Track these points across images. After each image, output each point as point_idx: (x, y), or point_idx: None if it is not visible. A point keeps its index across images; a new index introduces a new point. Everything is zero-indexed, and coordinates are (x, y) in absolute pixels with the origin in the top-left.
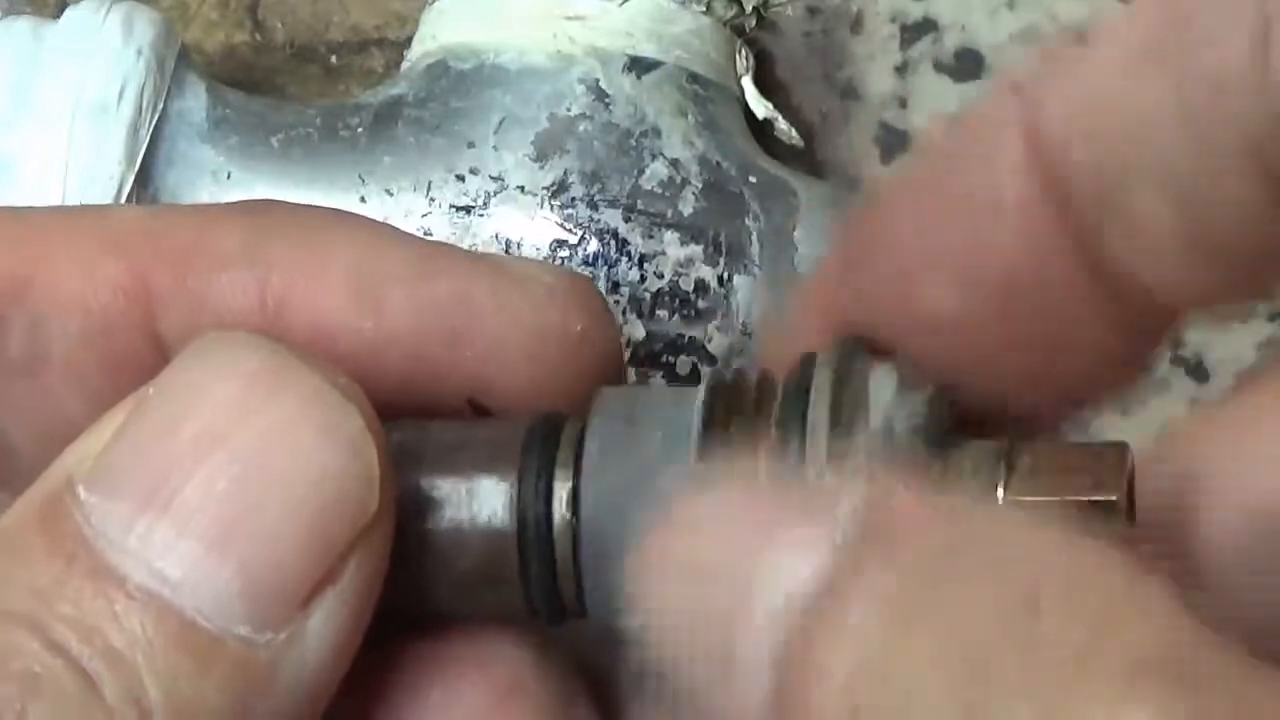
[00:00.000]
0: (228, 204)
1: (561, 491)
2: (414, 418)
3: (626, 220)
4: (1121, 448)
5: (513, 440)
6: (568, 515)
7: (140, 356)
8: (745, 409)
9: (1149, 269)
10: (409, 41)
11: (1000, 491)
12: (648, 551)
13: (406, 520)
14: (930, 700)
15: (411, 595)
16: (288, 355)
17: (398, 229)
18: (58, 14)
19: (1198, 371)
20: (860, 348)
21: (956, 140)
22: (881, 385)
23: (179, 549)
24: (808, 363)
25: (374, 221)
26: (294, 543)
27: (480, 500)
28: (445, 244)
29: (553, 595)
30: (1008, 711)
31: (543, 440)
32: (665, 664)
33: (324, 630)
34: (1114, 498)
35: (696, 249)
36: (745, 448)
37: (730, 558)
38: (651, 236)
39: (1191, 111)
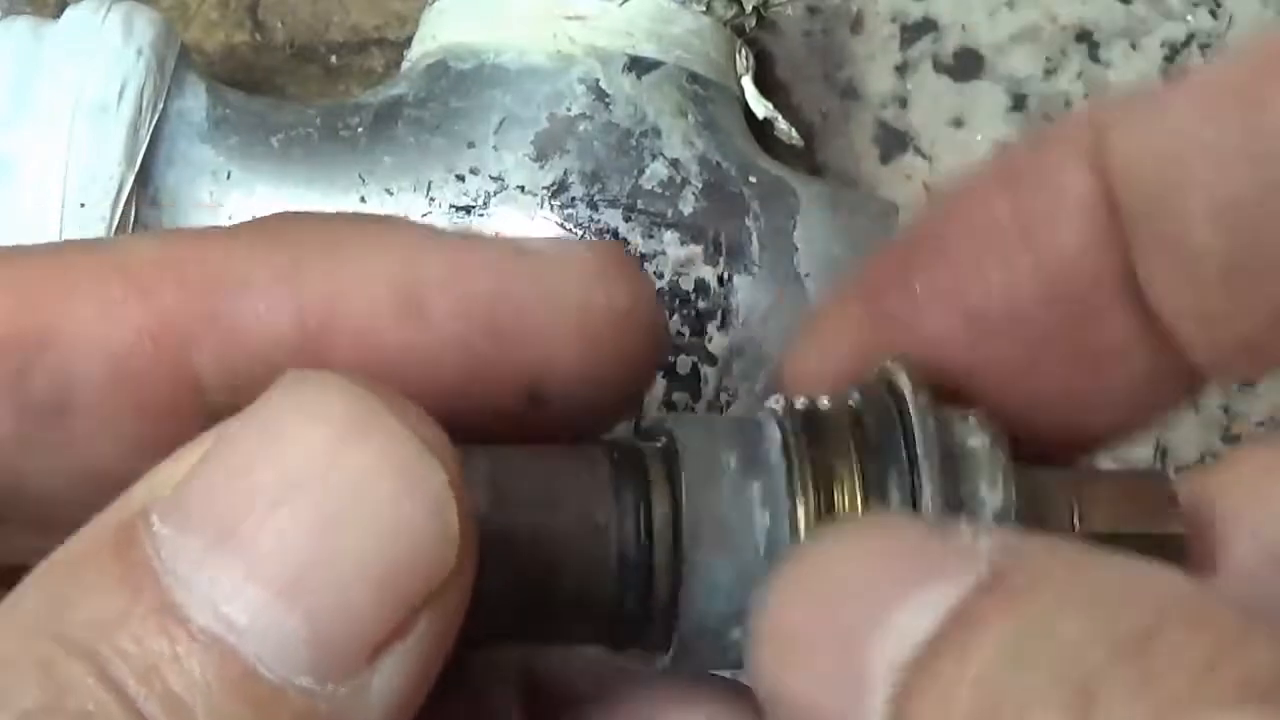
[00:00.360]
0: (248, 224)
1: (665, 532)
2: (496, 444)
3: (626, 220)
4: (1164, 478)
5: (599, 473)
6: (667, 558)
7: (172, 397)
8: (827, 443)
9: (1191, 311)
10: (409, 41)
11: (1076, 524)
12: (771, 610)
13: (493, 553)
14: None
15: (491, 625)
16: (375, 402)
17: (428, 226)
18: (58, 14)
19: None
20: (916, 375)
21: (1013, 171)
22: (971, 432)
23: (247, 593)
24: (880, 399)
25: (402, 222)
26: (365, 596)
27: (575, 537)
28: (479, 235)
29: (643, 632)
30: None
31: (631, 476)
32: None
33: (389, 685)
34: (1180, 531)
35: (696, 249)
36: (844, 496)
37: (857, 616)
38: (651, 236)
39: (1263, 155)
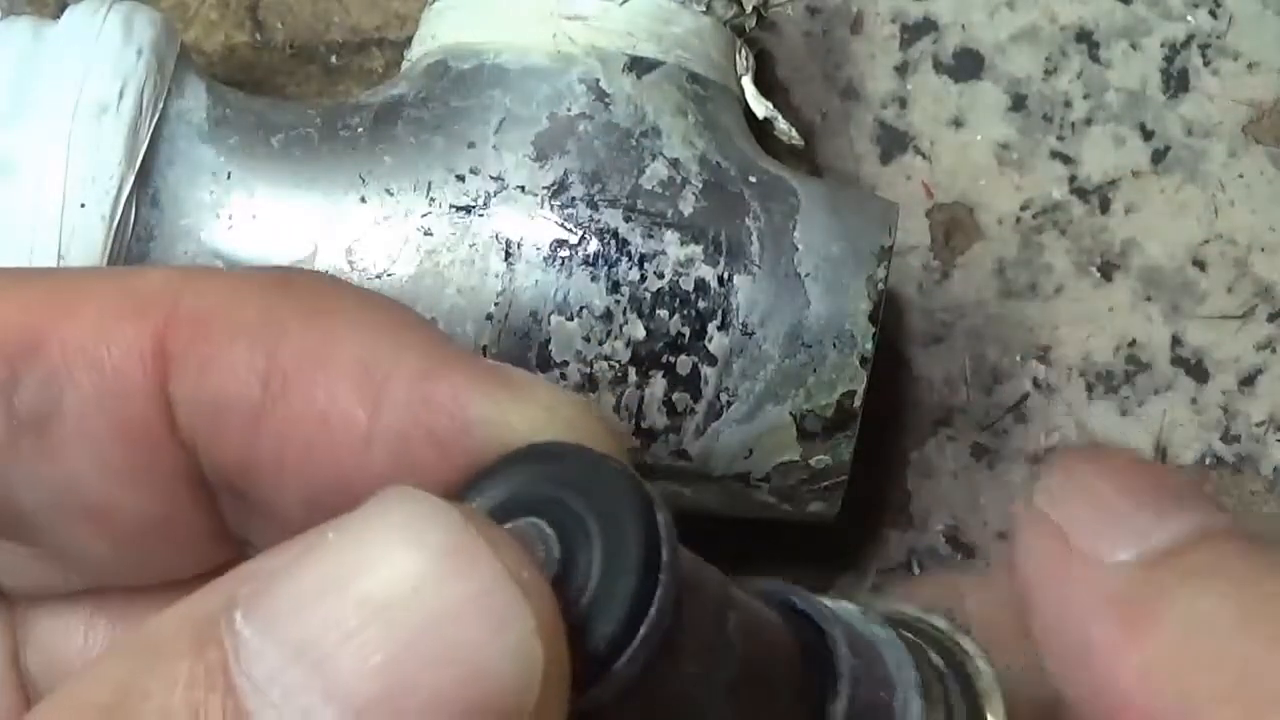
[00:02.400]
0: (254, 270)
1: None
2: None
3: (627, 220)
4: None
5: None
6: None
7: (151, 422)
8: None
9: None
10: (409, 41)
11: None
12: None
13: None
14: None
15: None
16: (476, 536)
17: (417, 317)
18: (58, 14)
19: (1198, 371)
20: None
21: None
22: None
23: (320, 714)
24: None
25: (395, 307)
26: None
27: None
28: (456, 347)
29: None
30: None
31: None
32: None
33: None
34: None
35: (697, 249)
36: None
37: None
38: (651, 236)
39: None
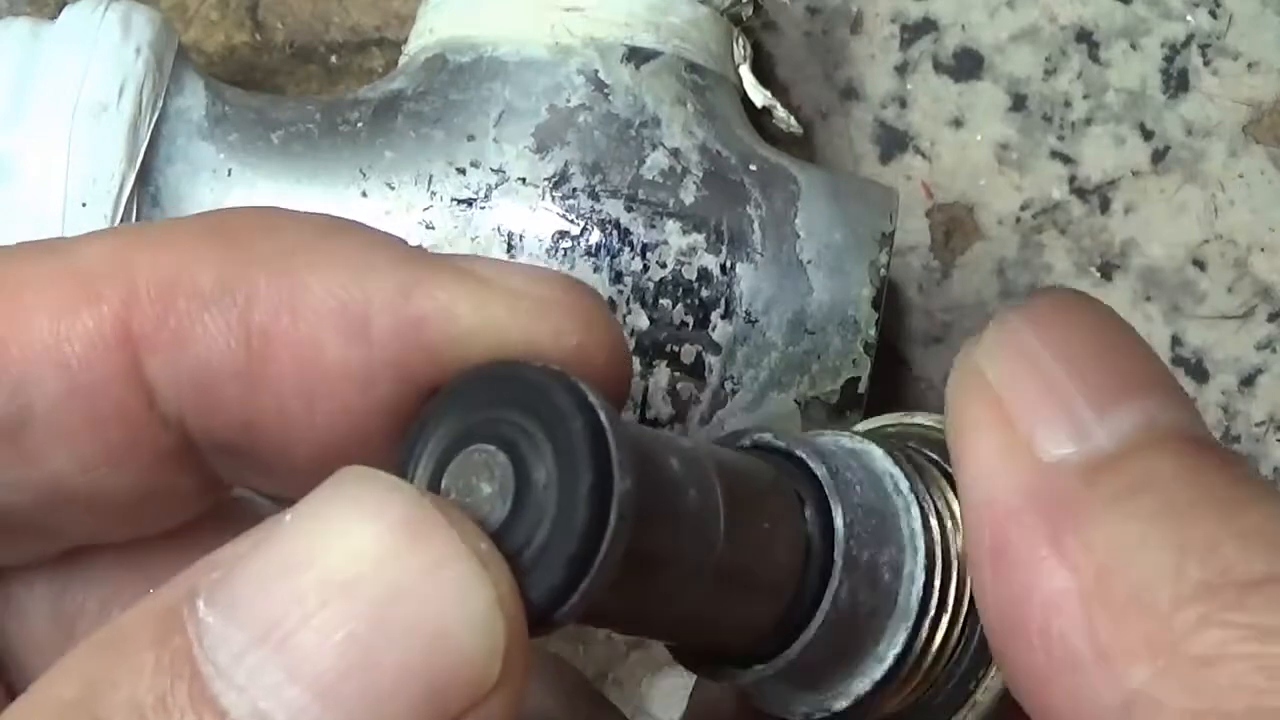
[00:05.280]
0: (202, 222)
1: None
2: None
3: (628, 210)
4: None
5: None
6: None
7: (127, 407)
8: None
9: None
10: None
11: None
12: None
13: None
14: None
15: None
16: (432, 510)
17: (377, 235)
18: (57, 14)
19: (1198, 371)
20: None
21: None
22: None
23: (286, 693)
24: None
25: (351, 229)
26: (405, 704)
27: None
28: (431, 255)
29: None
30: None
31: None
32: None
33: None
34: None
35: (698, 238)
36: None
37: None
38: (653, 226)
39: None
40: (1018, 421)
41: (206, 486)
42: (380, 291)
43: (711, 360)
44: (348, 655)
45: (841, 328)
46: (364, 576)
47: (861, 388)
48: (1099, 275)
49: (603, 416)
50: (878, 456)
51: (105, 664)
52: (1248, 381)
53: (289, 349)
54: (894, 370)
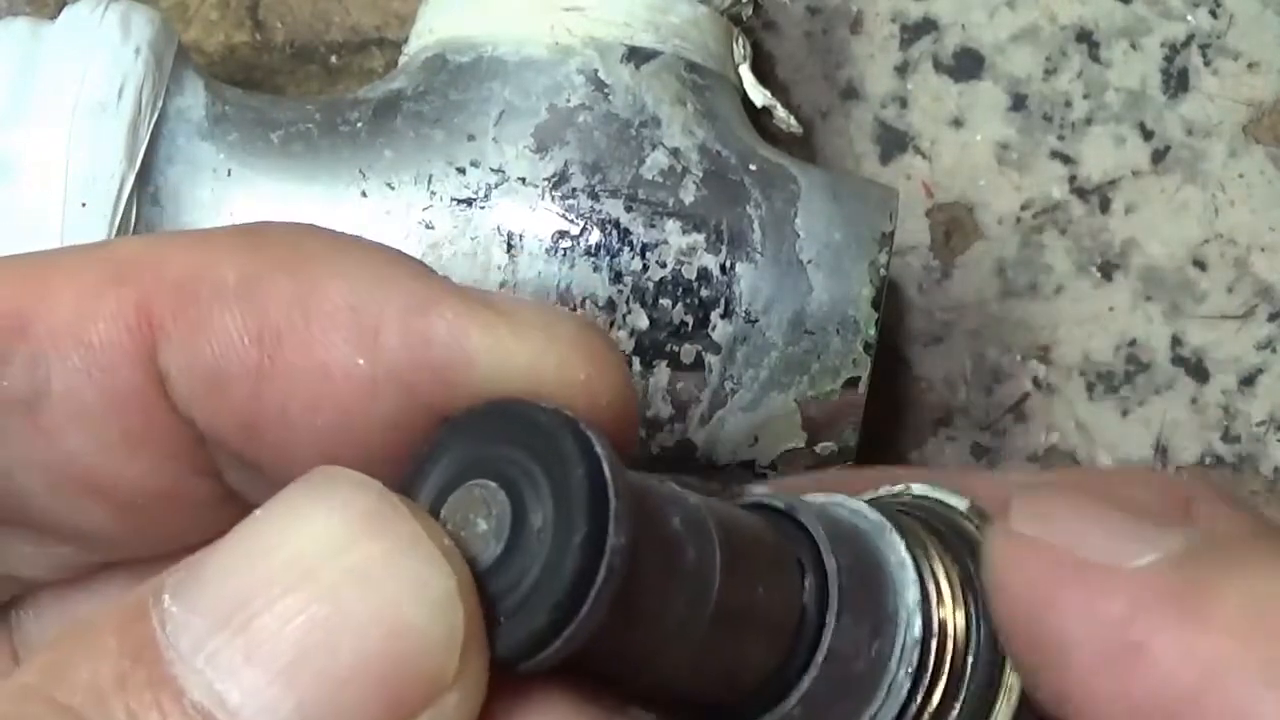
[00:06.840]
0: (229, 229)
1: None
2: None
3: (628, 210)
4: None
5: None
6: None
7: (142, 391)
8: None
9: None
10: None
11: None
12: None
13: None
14: None
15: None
16: (395, 503)
17: (399, 255)
18: (57, 14)
19: (1198, 371)
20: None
21: None
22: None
23: (243, 675)
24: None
25: (374, 247)
26: (361, 691)
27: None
28: (446, 280)
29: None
30: None
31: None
32: None
33: None
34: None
35: (698, 237)
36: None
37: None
38: (653, 226)
39: None
40: (1093, 552)
41: (220, 496)
42: (393, 303)
43: (711, 360)
44: (306, 639)
45: (841, 327)
46: (325, 564)
47: (862, 388)
48: (1099, 275)
49: (606, 468)
50: (876, 523)
51: (68, 650)
52: (1248, 381)
53: (298, 349)
54: (894, 370)
